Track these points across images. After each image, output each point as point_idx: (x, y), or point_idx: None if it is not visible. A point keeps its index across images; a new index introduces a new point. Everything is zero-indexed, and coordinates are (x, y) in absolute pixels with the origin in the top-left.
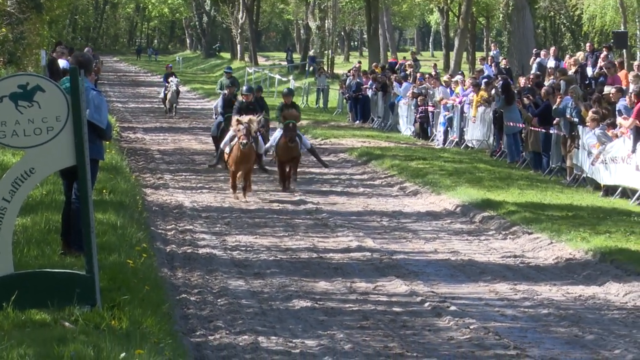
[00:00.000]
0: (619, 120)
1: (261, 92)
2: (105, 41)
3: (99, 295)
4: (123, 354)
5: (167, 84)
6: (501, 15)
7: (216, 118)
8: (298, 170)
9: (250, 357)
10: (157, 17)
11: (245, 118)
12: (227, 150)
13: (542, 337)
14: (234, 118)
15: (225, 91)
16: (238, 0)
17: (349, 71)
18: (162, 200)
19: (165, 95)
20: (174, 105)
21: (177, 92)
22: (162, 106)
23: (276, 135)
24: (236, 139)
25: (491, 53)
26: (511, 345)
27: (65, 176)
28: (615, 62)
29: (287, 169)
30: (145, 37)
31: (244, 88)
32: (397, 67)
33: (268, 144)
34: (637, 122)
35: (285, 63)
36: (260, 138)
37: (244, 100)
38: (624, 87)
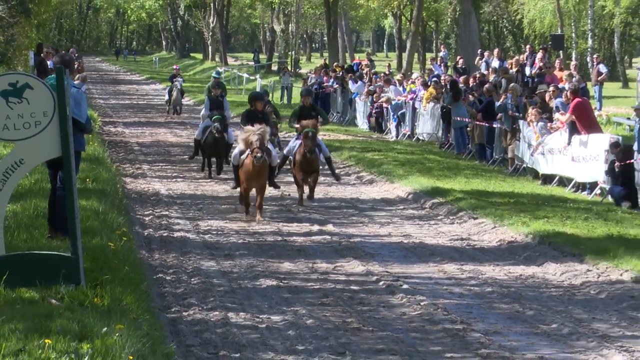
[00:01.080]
0: (556, 115)
1: (267, 96)
2: (88, 43)
3: (83, 275)
4: (105, 329)
5: (175, 84)
6: (449, 20)
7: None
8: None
9: (221, 331)
10: (136, 21)
11: (257, 128)
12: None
13: (486, 312)
14: (244, 129)
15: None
16: (209, 6)
17: (310, 70)
18: (141, 189)
19: (170, 95)
20: (178, 105)
21: (182, 92)
22: (165, 105)
23: (294, 144)
24: (247, 152)
25: (440, 54)
26: (458, 320)
27: (51, 166)
28: (556, 64)
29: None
30: (125, 39)
31: (254, 94)
32: (355, 67)
33: (285, 151)
34: (573, 117)
35: (253, 63)
36: (273, 150)
37: (253, 109)
38: (560, 85)
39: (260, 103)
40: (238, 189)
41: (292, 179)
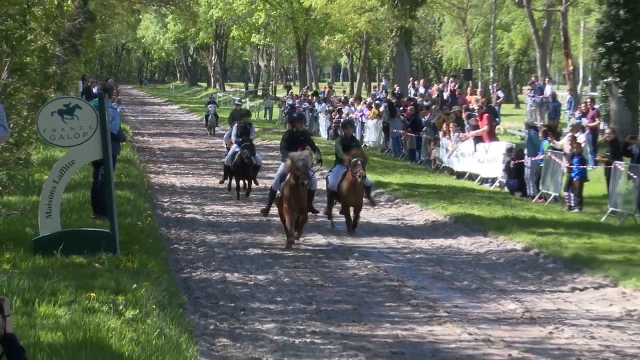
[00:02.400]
0: (472, 132)
1: (249, 116)
2: (122, 74)
3: (119, 246)
4: (135, 285)
5: (208, 109)
6: (388, 58)
7: (227, 148)
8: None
9: (221, 287)
10: (157, 59)
11: (300, 154)
12: (277, 190)
13: (416, 273)
14: (288, 154)
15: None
16: (212, 47)
17: (287, 96)
18: (161, 182)
19: (207, 118)
20: (213, 126)
21: (216, 116)
22: (205, 128)
23: (336, 173)
24: (289, 177)
25: (382, 83)
26: (395, 279)
27: (95, 165)
28: (467, 90)
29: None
30: (149, 72)
31: (294, 116)
32: (322, 93)
33: (330, 183)
34: (487, 128)
35: (244, 89)
36: (313, 174)
37: (295, 130)
38: (471, 106)
39: (301, 124)
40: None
41: (262, 174)
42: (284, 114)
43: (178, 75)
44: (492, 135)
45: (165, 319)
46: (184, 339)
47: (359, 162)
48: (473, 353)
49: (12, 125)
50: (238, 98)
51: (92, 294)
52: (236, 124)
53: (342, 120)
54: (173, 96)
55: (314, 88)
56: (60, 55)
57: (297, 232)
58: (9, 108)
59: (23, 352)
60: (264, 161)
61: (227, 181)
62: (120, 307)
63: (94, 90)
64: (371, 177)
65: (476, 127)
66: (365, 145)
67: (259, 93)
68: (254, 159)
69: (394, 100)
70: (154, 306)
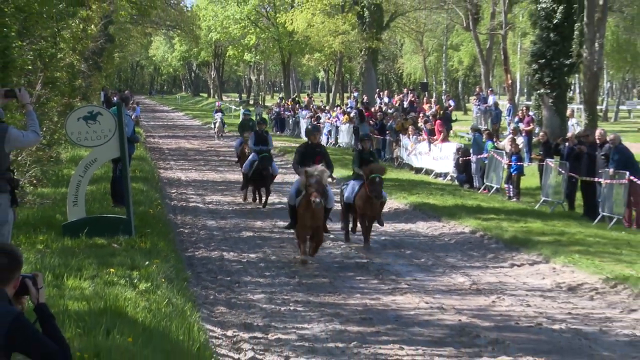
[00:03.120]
0: (423, 130)
1: (265, 124)
2: (136, 87)
3: (134, 229)
4: (147, 262)
5: (215, 117)
6: (358, 73)
7: (237, 155)
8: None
9: (219, 264)
10: (166, 73)
11: (316, 170)
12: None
13: (381, 252)
14: (303, 170)
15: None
16: (211, 64)
17: (274, 104)
18: (169, 176)
19: (215, 125)
20: (221, 132)
21: (223, 123)
22: (212, 132)
23: (353, 186)
24: (304, 193)
25: (353, 94)
26: (364, 257)
27: (113, 162)
28: (424, 100)
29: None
30: (159, 84)
31: (310, 129)
32: (305, 102)
33: (345, 196)
34: (445, 135)
35: (238, 99)
36: (329, 191)
37: (310, 143)
38: (427, 113)
39: (316, 136)
40: (292, 230)
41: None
42: (271, 119)
43: (183, 87)
44: (444, 137)
45: (173, 290)
46: (188, 307)
47: (377, 180)
48: (429, 318)
49: (44, 129)
50: (246, 109)
51: (111, 270)
52: (253, 132)
53: (361, 133)
54: (179, 105)
55: (297, 98)
56: (85, 71)
57: (310, 251)
58: (42, 115)
59: (53, 319)
60: None
61: (243, 191)
62: (135, 281)
63: (114, 99)
64: (344, 172)
65: (432, 130)
66: (339, 146)
67: (251, 102)
68: (272, 169)
69: (362, 108)
70: (163, 280)
